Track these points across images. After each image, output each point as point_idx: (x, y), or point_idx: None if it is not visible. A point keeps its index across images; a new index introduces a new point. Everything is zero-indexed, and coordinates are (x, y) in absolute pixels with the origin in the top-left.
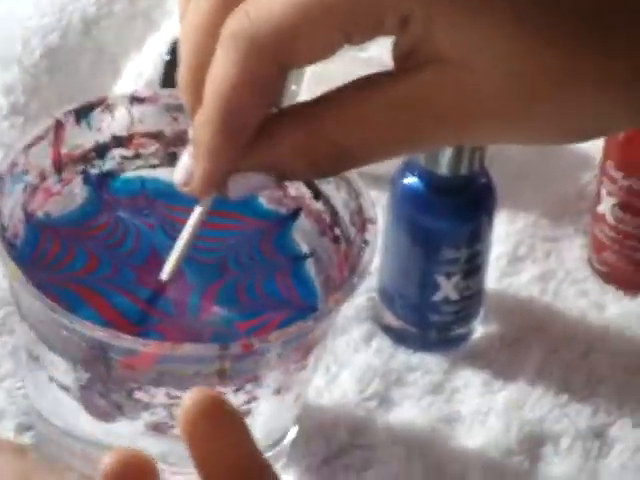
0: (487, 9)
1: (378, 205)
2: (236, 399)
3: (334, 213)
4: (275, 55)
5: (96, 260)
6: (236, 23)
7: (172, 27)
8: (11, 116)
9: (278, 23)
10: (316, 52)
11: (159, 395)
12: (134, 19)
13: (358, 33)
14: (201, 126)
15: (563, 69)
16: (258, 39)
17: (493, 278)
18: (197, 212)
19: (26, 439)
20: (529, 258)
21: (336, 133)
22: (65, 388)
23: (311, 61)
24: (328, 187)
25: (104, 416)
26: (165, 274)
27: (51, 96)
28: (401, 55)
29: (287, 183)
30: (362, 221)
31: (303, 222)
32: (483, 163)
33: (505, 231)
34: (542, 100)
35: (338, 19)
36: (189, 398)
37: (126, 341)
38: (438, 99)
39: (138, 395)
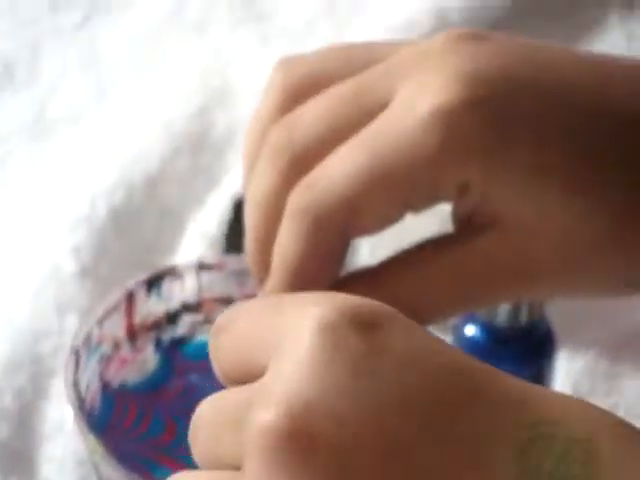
0: (539, 169)
1: None
2: None
3: None
4: (339, 228)
5: (173, 427)
6: (300, 197)
7: (232, 183)
8: (81, 278)
9: (340, 199)
10: (378, 222)
11: None
12: (196, 175)
13: (418, 201)
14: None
15: (611, 230)
16: (322, 214)
17: None
18: None
19: None
20: (590, 397)
21: (401, 294)
22: None
23: (374, 230)
24: None
25: None
26: None
27: (118, 256)
28: (460, 219)
29: None
30: None
31: None
32: (542, 312)
33: (566, 369)
34: (595, 255)
35: (399, 191)
36: None
37: None
38: (498, 261)
39: None
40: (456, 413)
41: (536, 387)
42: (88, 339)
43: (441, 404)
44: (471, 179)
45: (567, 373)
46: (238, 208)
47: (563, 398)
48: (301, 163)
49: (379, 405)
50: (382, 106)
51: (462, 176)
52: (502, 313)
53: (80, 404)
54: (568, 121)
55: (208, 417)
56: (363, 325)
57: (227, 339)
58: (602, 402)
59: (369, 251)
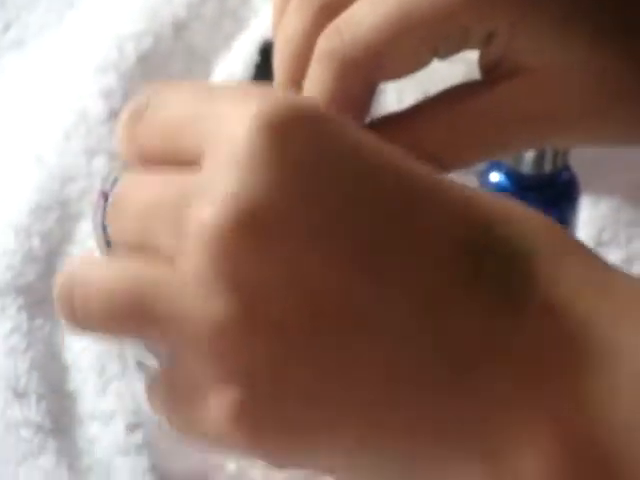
0: (568, 21)
1: None
2: None
3: None
4: (366, 72)
5: None
6: (328, 41)
7: (260, 25)
8: (110, 121)
9: (368, 41)
10: (405, 67)
11: None
12: (223, 19)
13: (445, 47)
14: None
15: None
16: (349, 58)
17: None
18: None
19: (136, 437)
20: (613, 243)
21: (426, 140)
22: None
23: (400, 75)
24: None
25: None
26: None
27: None
28: (488, 66)
29: None
30: None
31: None
32: (566, 160)
33: (589, 216)
34: (623, 102)
35: (426, 35)
36: None
37: None
38: (523, 107)
39: None
40: (400, 210)
41: (477, 191)
42: (116, 183)
43: (387, 201)
44: (499, 27)
45: (590, 219)
46: (266, 52)
47: (503, 200)
48: (331, 7)
49: (320, 199)
50: None
51: (490, 23)
52: (527, 161)
53: (108, 247)
54: None
55: (136, 201)
56: (306, 122)
57: (153, 119)
58: (625, 249)
59: (395, 98)
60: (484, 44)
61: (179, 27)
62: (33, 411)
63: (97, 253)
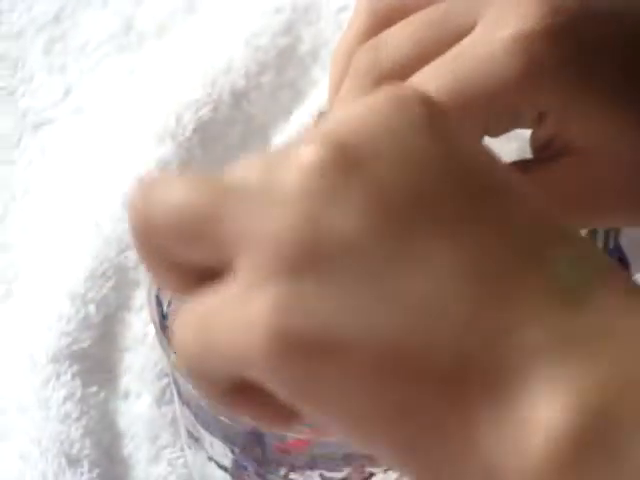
0: (619, 105)
1: None
2: (387, 477)
3: None
4: None
5: None
6: None
7: (318, 97)
8: None
9: None
10: None
11: (314, 476)
12: (281, 89)
13: (496, 126)
14: None
15: None
16: None
17: None
18: None
19: None
20: None
21: None
22: (224, 468)
23: None
24: None
25: None
26: None
27: (204, 170)
28: (539, 144)
29: None
30: None
31: None
32: (618, 241)
33: None
34: None
35: (478, 114)
36: None
37: (281, 429)
38: (574, 185)
39: (293, 476)
40: (484, 200)
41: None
42: None
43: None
44: (550, 107)
45: None
46: None
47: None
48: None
49: (420, 166)
50: (467, 31)
51: (541, 103)
52: None
53: (162, 320)
54: None
55: None
56: (430, 104)
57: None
58: None
59: None
60: (535, 123)
61: (238, 96)
62: (86, 477)
63: (151, 326)
